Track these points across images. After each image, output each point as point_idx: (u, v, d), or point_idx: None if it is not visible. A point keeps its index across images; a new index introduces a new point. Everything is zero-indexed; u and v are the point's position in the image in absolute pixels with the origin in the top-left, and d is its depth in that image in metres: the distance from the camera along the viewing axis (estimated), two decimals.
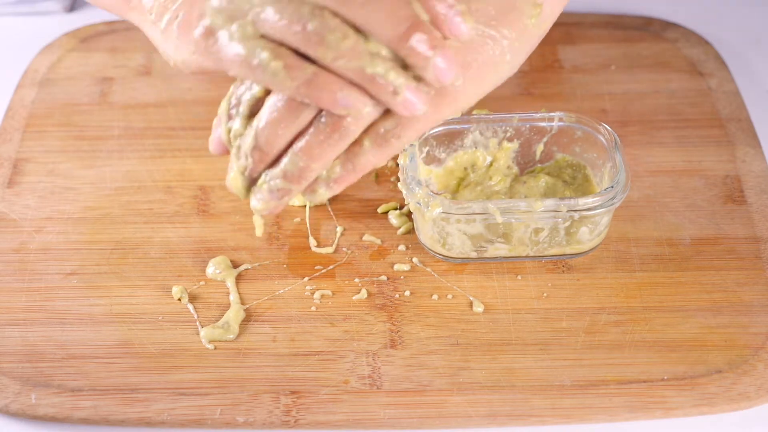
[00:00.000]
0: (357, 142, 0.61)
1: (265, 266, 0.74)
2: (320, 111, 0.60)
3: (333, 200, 0.78)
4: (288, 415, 0.65)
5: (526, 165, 0.77)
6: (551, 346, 0.69)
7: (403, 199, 0.75)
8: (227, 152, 0.65)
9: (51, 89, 0.87)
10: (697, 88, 0.86)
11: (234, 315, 0.70)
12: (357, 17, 0.58)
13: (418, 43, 0.58)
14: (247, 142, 0.62)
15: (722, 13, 0.95)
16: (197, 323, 0.70)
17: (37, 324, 0.70)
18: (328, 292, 0.72)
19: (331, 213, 0.77)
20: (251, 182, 0.63)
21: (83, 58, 0.90)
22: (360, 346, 0.69)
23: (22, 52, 0.91)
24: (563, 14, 0.92)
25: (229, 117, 0.64)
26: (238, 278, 0.73)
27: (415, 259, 0.74)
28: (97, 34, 0.92)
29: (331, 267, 0.74)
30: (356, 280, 0.73)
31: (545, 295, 0.72)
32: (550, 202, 0.69)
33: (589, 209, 0.70)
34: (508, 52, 0.63)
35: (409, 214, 0.76)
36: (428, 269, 0.73)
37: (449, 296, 0.72)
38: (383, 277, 0.73)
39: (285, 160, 0.61)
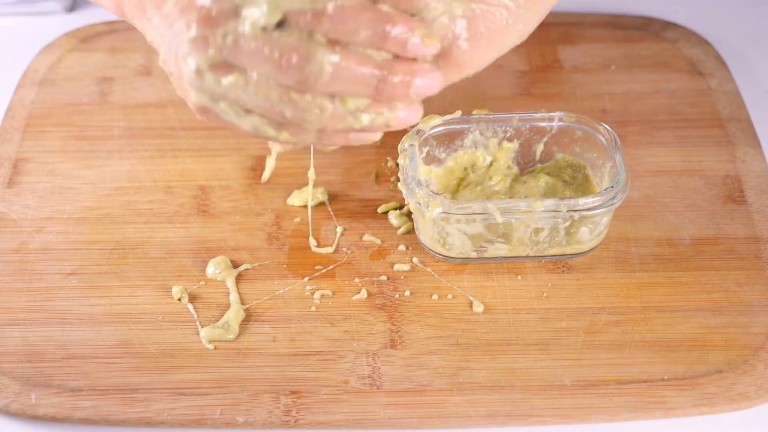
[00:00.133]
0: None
1: (265, 266, 0.74)
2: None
3: (333, 200, 0.78)
4: (288, 415, 0.65)
5: (526, 165, 0.77)
6: (551, 346, 0.69)
7: (403, 199, 0.75)
8: None
9: (51, 89, 0.86)
10: (697, 88, 0.86)
11: (234, 315, 0.70)
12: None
13: (398, 34, 0.60)
14: None
15: (722, 13, 0.95)
16: (197, 323, 0.70)
17: (37, 324, 0.70)
18: (328, 292, 0.72)
19: (331, 213, 0.77)
20: None
21: (83, 58, 0.90)
22: (360, 346, 0.69)
23: (22, 52, 0.91)
24: (563, 14, 0.92)
25: None
26: (238, 278, 0.73)
27: (415, 259, 0.74)
28: (97, 34, 0.92)
29: (331, 267, 0.74)
30: (356, 280, 0.73)
31: (545, 295, 0.71)
32: (550, 202, 0.69)
33: (589, 209, 0.70)
34: (521, 21, 0.63)
35: (409, 214, 0.76)
36: (428, 269, 0.73)
37: (449, 296, 0.72)
38: (383, 277, 0.73)
39: None
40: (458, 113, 0.74)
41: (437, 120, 0.74)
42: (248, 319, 0.70)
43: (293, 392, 0.67)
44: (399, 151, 0.72)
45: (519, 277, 0.73)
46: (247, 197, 0.78)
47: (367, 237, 0.75)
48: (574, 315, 0.70)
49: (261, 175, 0.79)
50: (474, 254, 0.73)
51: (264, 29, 0.59)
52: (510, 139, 0.76)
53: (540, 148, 0.76)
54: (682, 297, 0.71)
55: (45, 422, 0.66)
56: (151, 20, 0.64)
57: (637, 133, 0.82)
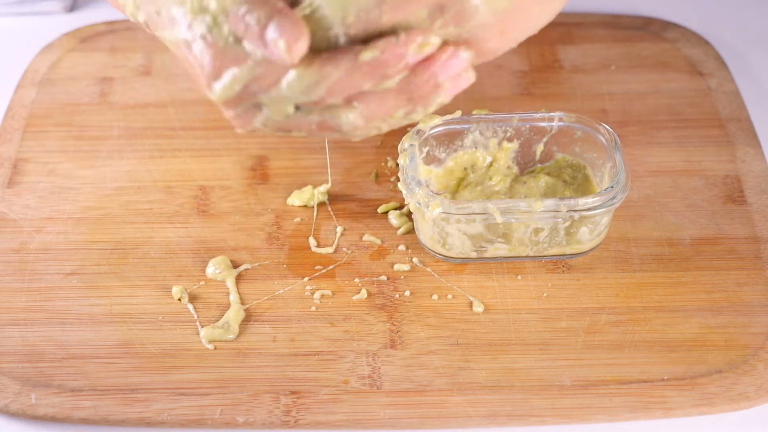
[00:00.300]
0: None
1: (265, 266, 0.74)
2: None
3: (333, 200, 0.78)
4: (288, 415, 0.65)
5: (526, 165, 0.77)
6: (551, 346, 0.69)
7: (403, 199, 0.75)
8: None
9: (51, 89, 0.86)
10: (697, 88, 0.86)
11: (234, 315, 0.70)
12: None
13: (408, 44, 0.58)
14: None
15: (722, 13, 0.95)
16: (197, 323, 0.70)
17: (37, 324, 0.70)
18: (328, 292, 0.72)
19: (331, 213, 0.77)
20: None
21: (83, 58, 0.90)
22: (360, 346, 0.69)
23: (22, 52, 0.91)
24: (563, 14, 0.92)
25: None
26: (238, 278, 0.73)
27: (415, 259, 0.74)
28: (97, 34, 0.92)
29: (331, 267, 0.74)
30: (356, 280, 0.73)
31: (545, 295, 0.72)
32: (550, 202, 0.69)
33: (589, 209, 0.70)
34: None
35: (409, 214, 0.76)
36: (428, 269, 0.73)
37: (449, 296, 0.72)
38: (383, 277, 0.73)
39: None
40: (458, 113, 0.74)
41: (437, 120, 0.74)
42: (248, 319, 0.70)
43: (293, 392, 0.67)
44: (399, 151, 0.72)
45: (519, 277, 0.73)
46: (247, 197, 0.78)
47: (367, 237, 0.75)
48: (574, 315, 0.70)
49: (261, 175, 0.79)
50: (474, 254, 0.73)
51: (287, 116, 0.60)
52: (510, 139, 0.76)
53: (540, 148, 0.76)
54: (682, 297, 0.71)
55: (45, 422, 0.66)
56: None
57: (637, 133, 0.82)
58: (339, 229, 0.76)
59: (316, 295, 0.72)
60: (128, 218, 0.77)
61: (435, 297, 0.72)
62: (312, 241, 0.75)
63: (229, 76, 0.58)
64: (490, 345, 0.69)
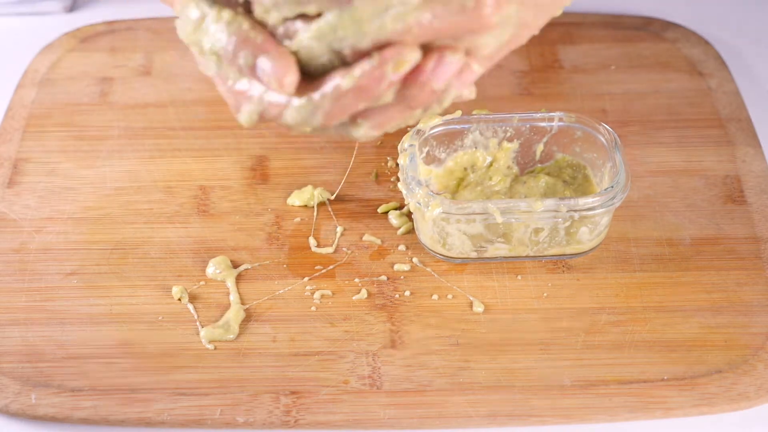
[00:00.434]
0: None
1: (265, 266, 0.74)
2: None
3: (333, 200, 0.78)
4: (288, 415, 0.65)
5: (526, 165, 0.77)
6: (551, 346, 0.69)
7: (403, 199, 0.75)
8: None
9: (51, 89, 0.86)
10: (697, 88, 0.86)
11: (234, 315, 0.70)
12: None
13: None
14: None
15: (722, 13, 0.95)
16: (197, 323, 0.70)
17: (37, 324, 0.70)
18: (328, 292, 0.72)
19: (331, 213, 0.77)
20: None
21: (83, 58, 0.90)
22: (360, 346, 0.69)
23: (22, 52, 0.91)
24: (563, 14, 0.92)
25: None
26: (238, 278, 0.73)
27: (415, 259, 0.74)
28: (97, 34, 0.92)
29: (331, 267, 0.74)
30: (356, 280, 0.73)
31: (545, 295, 0.72)
32: (550, 202, 0.69)
33: (589, 209, 0.70)
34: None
35: (409, 214, 0.76)
36: (428, 269, 0.73)
37: (449, 296, 0.72)
38: (383, 277, 0.73)
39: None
40: (458, 113, 0.74)
41: (437, 120, 0.74)
42: (248, 319, 0.70)
43: (293, 392, 0.67)
44: (399, 151, 0.72)
45: (519, 277, 0.73)
46: (247, 197, 0.78)
47: (367, 237, 0.75)
48: (574, 315, 0.70)
49: (261, 175, 0.79)
50: (474, 254, 0.73)
51: (308, 132, 0.60)
52: (510, 139, 0.76)
53: (540, 148, 0.76)
54: (682, 297, 0.71)
55: (45, 422, 0.66)
56: None
57: (637, 133, 0.82)
58: (339, 229, 0.76)
59: (316, 295, 0.72)
60: (128, 218, 0.77)
61: (435, 297, 0.72)
62: (312, 241, 0.75)
63: (245, 109, 0.59)
64: (490, 345, 0.69)
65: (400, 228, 0.76)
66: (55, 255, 0.74)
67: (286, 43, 0.57)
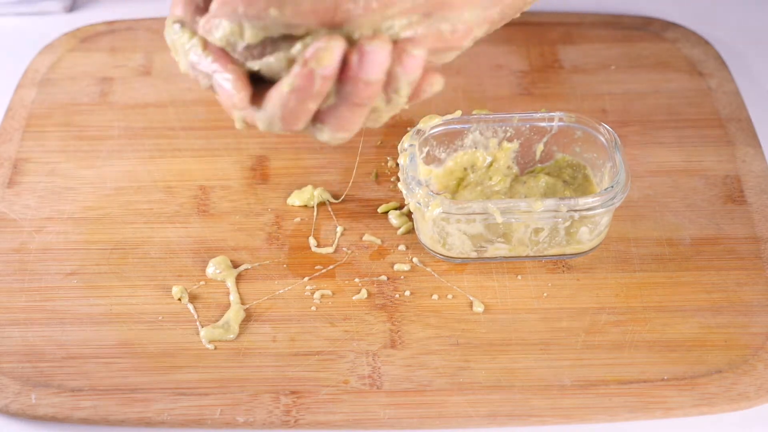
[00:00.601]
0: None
1: (265, 266, 0.74)
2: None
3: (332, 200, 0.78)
4: (288, 415, 0.65)
5: (526, 165, 0.77)
6: (551, 346, 0.69)
7: (403, 199, 0.75)
8: None
9: (51, 89, 0.86)
10: (697, 88, 0.86)
11: (234, 315, 0.70)
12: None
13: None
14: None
15: (722, 13, 0.95)
16: (197, 323, 0.70)
17: (37, 324, 0.70)
18: (328, 292, 0.72)
19: (331, 213, 0.77)
20: None
21: (83, 58, 0.90)
22: (360, 346, 0.69)
23: (22, 52, 0.91)
24: (563, 14, 0.92)
25: None
26: (238, 278, 0.73)
27: (415, 259, 0.74)
28: (97, 34, 0.92)
29: (331, 267, 0.74)
30: (356, 280, 0.73)
31: (545, 295, 0.72)
32: (550, 202, 0.69)
33: (589, 209, 0.70)
34: None
35: (409, 214, 0.76)
36: (428, 269, 0.73)
37: (449, 296, 0.72)
38: (383, 277, 0.73)
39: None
40: (458, 113, 0.74)
41: (437, 120, 0.74)
42: (248, 319, 0.70)
43: (293, 392, 0.67)
44: (399, 151, 0.72)
45: (519, 277, 0.73)
46: (247, 197, 0.78)
47: (367, 237, 0.75)
48: (574, 315, 0.70)
49: (261, 175, 0.79)
50: (474, 254, 0.73)
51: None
52: (510, 139, 0.76)
53: (540, 148, 0.76)
54: (682, 297, 0.71)
55: (45, 422, 0.66)
56: None
57: (637, 133, 0.82)
58: (339, 229, 0.76)
59: (316, 295, 0.72)
60: (128, 218, 0.77)
61: (435, 297, 0.72)
62: (312, 241, 0.75)
63: (235, 116, 0.61)
64: (490, 345, 0.69)
65: (400, 228, 0.76)
66: (55, 255, 0.74)
67: (250, 63, 0.59)
